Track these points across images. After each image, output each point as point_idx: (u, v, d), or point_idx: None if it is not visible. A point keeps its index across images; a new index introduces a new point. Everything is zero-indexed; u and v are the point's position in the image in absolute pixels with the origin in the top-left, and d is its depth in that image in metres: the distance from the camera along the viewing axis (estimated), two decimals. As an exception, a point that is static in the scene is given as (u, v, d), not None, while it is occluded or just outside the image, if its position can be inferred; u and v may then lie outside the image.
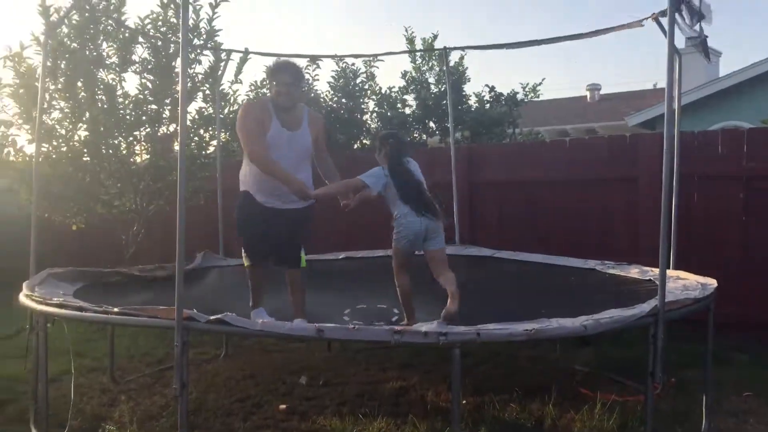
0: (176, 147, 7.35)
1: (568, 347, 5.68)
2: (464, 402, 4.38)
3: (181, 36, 3.29)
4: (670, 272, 4.38)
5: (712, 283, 4.03)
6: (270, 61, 4.29)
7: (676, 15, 3.70)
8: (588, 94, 22.14)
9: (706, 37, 4.17)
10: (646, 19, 4.63)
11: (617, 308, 3.50)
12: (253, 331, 3.16)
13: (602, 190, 6.60)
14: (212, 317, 3.20)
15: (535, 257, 5.76)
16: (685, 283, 4.16)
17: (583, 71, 69.67)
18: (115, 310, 3.51)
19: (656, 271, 4.81)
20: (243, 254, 4.41)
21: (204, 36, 6.89)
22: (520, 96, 9.63)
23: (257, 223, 4.25)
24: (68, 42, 6.62)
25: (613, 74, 71.52)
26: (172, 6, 6.71)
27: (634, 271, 5.04)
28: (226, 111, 7.26)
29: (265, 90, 7.57)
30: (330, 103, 9.50)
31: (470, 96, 9.68)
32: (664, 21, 4.13)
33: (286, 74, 4.10)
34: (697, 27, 3.94)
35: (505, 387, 4.71)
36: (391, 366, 5.41)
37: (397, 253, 3.94)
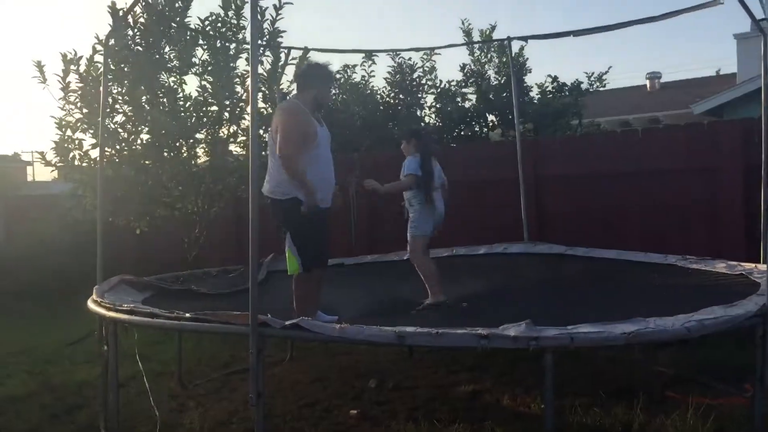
0: (233, 150, 7.32)
1: (649, 347, 5.38)
2: (543, 406, 4.16)
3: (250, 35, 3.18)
4: (761, 266, 4.11)
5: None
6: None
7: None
8: (648, 82, 21.43)
9: None
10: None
11: (714, 306, 3.26)
12: (331, 337, 3.01)
13: (678, 181, 6.24)
14: (288, 322, 3.06)
15: (612, 253, 5.49)
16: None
17: (640, 60, 67.43)
18: (188, 315, 3.42)
19: (746, 265, 4.57)
20: (298, 263, 4.07)
21: (267, 37, 6.79)
22: (584, 86, 9.25)
23: (318, 228, 4.11)
24: (132, 45, 6.61)
25: (672, 62, 69.13)
26: (232, 6, 6.62)
27: (720, 266, 4.75)
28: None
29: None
30: (387, 99, 9.34)
31: (532, 87, 9.37)
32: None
33: (333, 78, 4.68)
34: None
35: (586, 389, 4.46)
36: (461, 368, 5.22)
37: (422, 238, 4.53)
